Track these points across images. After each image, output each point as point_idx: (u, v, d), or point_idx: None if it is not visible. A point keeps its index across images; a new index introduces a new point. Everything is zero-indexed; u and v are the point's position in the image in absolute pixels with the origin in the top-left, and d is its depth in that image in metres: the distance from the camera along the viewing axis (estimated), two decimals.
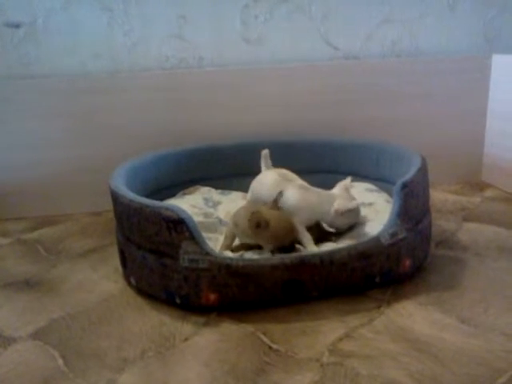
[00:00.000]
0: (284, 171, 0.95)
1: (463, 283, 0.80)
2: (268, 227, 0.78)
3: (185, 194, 1.09)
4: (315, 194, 0.89)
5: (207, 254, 0.72)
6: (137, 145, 1.15)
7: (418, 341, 0.66)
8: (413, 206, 0.79)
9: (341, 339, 0.67)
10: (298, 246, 0.85)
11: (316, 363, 0.63)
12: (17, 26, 1.15)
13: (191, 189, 1.10)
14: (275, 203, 0.83)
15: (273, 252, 0.81)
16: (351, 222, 0.88)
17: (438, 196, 1.21)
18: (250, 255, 0.82)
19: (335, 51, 1.26)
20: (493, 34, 1.30)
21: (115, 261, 0.90)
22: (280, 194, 0.84)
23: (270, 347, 0.66)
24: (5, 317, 0.77)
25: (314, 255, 0.73)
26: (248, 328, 0.70)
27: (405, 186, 0.78)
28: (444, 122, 1.27)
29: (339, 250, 0.74)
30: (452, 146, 1.29)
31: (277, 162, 1.07)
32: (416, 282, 0.80)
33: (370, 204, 0.96)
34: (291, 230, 0.82)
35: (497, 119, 1.25)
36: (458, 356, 0.62)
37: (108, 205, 0.89)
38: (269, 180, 0.93)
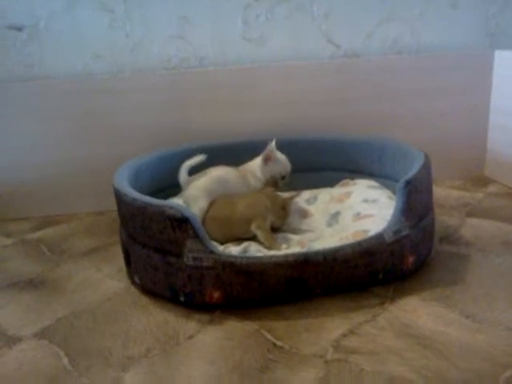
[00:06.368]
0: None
1: (467, 278, 0.80)
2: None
3: None
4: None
5: (211, 252, 0.72)
6: (140, 144, 1.15)
7: (422, 336, 0.66)
8: (416, 203, 0.79)
9: (345, 336, 0.67)
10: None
11: (320, 360, 0.63)
12: (19, 28, 1.15)
13: None
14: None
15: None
16: None
17: (441, 192, 1.20)
18: (253, 252, 0.82)
19: (336, 49, 1.26)
20: (495, 29, 1.30)
21: (119, 260, 0.91)
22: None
23: (275, 344, 0.66)
24: (10, 316, 0.78)
25: (317, 253, 0.73)
26: (252, 325, 0.71)
27: (408, 183, 0.78)
28: (447, 118, 1.27)
29: (343, 248, 0.74)
30: (455, 141, 1.28)
31: None
32: (419, 278, 0.80)
33: (374, 201, 0.96)
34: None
35: (500, 115, 1.24)
36: (462, 351, 0.62)
37: (111, 204, 0.90)
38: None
